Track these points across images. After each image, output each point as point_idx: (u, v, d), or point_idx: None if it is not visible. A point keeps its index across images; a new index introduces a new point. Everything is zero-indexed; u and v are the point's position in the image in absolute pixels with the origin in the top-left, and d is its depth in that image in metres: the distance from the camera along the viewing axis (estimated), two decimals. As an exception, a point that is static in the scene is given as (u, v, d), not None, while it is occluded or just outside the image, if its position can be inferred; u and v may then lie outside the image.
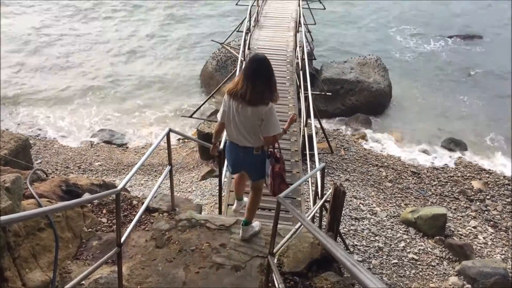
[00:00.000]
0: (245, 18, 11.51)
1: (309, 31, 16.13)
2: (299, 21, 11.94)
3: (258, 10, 13.68)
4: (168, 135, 4.81)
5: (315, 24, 16.99)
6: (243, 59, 9.72)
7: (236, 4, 16.58)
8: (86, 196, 5.21)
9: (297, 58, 10.72)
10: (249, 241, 4.74)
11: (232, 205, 6.16)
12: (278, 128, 4.34)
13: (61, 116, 13.71)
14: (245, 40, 10.38)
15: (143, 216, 4.90)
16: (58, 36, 18.39)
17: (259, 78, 4.18)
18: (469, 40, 19.66)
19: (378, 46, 18.68)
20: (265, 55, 4.34)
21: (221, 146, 6.34)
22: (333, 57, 16.52)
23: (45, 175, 5.95)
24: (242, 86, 4.21)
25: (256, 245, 4.68)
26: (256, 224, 4.92)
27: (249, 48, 11.26)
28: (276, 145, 4.60)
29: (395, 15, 22.03)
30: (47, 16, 20.31)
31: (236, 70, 9.53)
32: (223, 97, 4.47)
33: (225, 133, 4.84)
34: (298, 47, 11.13)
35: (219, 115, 4.61)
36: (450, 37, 19.75)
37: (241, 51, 9.76)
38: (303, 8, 13.08)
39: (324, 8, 17.63)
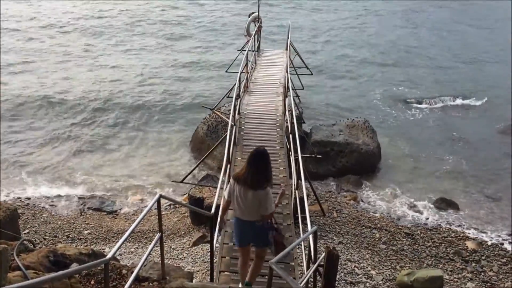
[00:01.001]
0: (235, 84, 11.79)
1: (297, 96, 16.54)
2: (288, 86, 12.25)
3: (247, 77, 14.06)
4: (158, 201, 4.79)
5: (303, 89, 17.45)
6: (233, 124, 9.88)
7: (226, 71, 17.04)
8: (74, 266, 5.09)
9: (287, 122, 10.89)
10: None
11: (224, 271, 6.06)
12: (273, 207, 5.42)
13: (51, 184, 13.61)
14: (235, 106, 10.59)
15: (132, 286, 4.76)
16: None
17: (259, 168, 5.29)
18: (454, 105, 20.15)
19: (364, 109, 19.12)
20: (261, 147, 5.53)
21: (213, 210, 6.32)
22: (322, 120, 16.84)
23: (32, 246, 5.82)
24: (245, 173, 5.32)
25: (249, 314, 4.54)
26: None
27: (239, 113, 11.46)
28: (272, 220, 5.57)
29: (377, 78, 22.72)
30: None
31: (226, 135, 9.64)
32: (229, 183, 5.60)
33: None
34: (287, 111, 11.34)
35: (226, 194, 5.63)
36: (436, 102, 20.21)
37: (231, 116, 9.93)
38: (291, 74, 13.46)
39: (312, 74, 18.17)
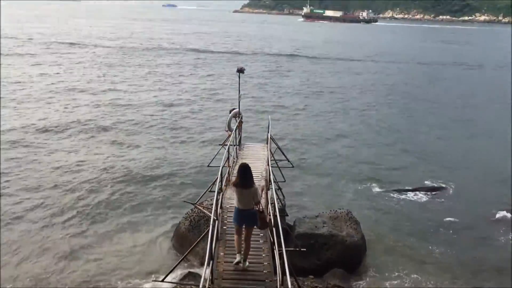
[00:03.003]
0: (217, 178, 11.80)
1: (279, 188, 16.57)
2: (269, 179, 12.30)
3: (229, 171, 14.14)
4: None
5: (284, 181, 17.53)
6: (215, 218, 9.73)
7: (208, 166, 17.13)
8: None
9: (270, 215, 10.79)
10: None
11: None
12: (260, 197, 9.20)
13: None
14: (217, 200, 10.50)
15: None
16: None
17: (247, 176, 8.96)
18: (434, 192, 20.47)
19: (346, 199, 19.22)
20: (245, 163, 9.31)
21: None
22: (305, 212, 16.78)
23: None
24: (240, 180, 8.94)
25: None
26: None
27: (221, 207, 11.35)
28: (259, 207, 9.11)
29: (358, 167, 23.08)
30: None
31: (208, 230, 9.46)
32: (231, 190, 9.81)
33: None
34: (269, 204, 11.28)
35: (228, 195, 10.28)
36: (416, 190, 20.52)
37: (213, 211, 9.80)
38: (272, 167, 13.59)
39: (293, 166, 18.37)
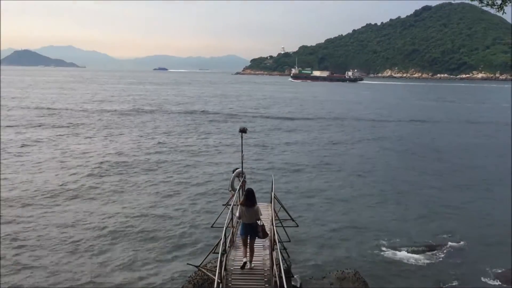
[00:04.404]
0: (220, 239, 11.64)
1: (284, 248, 16.28)
2: (274, 239, 12.13)
3: (233, 231, 13.95)
4: None
5: (289, 241, 17.25)
6: (219, 281, 9.51)
7: (212, 226, 16.92)
8: None
9: (275, 276, 10.54)
10: None
11: None
12: (261, 214, 11.94)
13: None
14: (221, 262, 10.30)
15: None
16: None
17: (252, 197, 11.83)
18: (440, 249, 20.11)
19: (353, 259, 18.81)
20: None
21: None
22: (311, 273, 16.36)
23: None
24: (245, 200, 11.80)
25: None
26: None
27: (225, 269, 11.12)
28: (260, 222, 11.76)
29: (364, 227, 22.75)
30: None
31: (213, 293, 9.22)
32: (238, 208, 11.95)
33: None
34: (275, 265, 11.05)
35: (237, 214, 12.03)
36: (423, 247, 20.19)
37: (217, 273, 9.60)
38: (276, 226, 13.42)
39: (297, 226, 18.12)
